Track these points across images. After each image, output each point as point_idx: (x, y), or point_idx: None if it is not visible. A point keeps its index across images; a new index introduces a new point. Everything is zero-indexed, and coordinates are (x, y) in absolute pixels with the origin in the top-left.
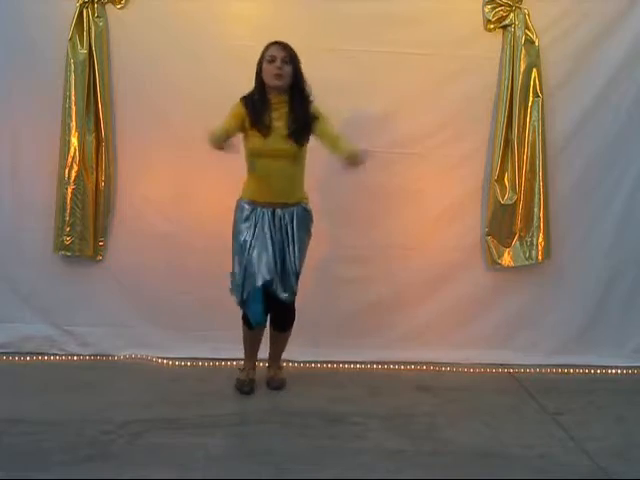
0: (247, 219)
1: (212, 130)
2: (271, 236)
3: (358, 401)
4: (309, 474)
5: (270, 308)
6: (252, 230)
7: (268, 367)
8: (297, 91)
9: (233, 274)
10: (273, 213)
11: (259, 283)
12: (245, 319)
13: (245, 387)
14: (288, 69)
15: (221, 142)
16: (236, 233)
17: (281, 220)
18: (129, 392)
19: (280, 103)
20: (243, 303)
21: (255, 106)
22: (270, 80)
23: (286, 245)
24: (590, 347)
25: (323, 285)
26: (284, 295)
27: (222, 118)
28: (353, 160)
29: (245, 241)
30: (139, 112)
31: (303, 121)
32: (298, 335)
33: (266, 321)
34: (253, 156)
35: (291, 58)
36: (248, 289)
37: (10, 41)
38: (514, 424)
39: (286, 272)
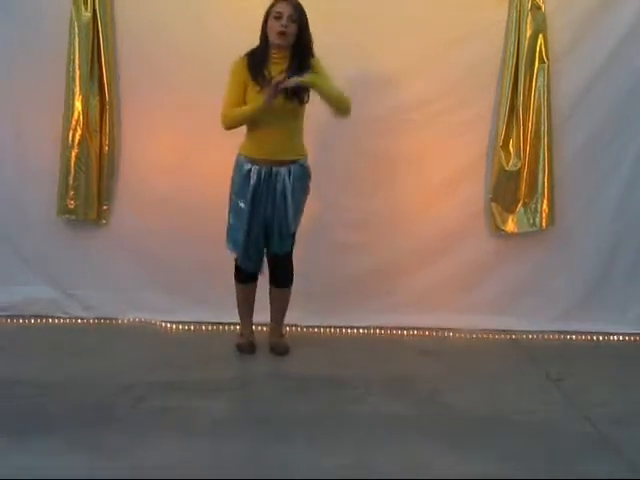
0: (246, 178)
1: (227, 115)
2: (267, 196)
3: (359, 366)
4: (309, 439)
5: (267, 263)
6: (250, 195)
7: (270, 333)
8: (300, 48)
9: (229, 227)
10: (270, 171)
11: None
12: (237, 274)
13: (245, 350)
14: (293, 27)
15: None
16: (234, 192)
17: (277, 177)
18: (132, 355)
19: (282, 59)
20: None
21: (256, 61)
22: (274, 37)
23: (281, 203)
24: (593, 313)
25: (324, 249)
26: (279, 250)
27: (225, 81)
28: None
29: (242, 208)
30: (143, 75)
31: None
32: (299, 299)
33: (259, 271)
34: None
35: (298, 16)
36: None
37: (12, 4)
38: (516, 389)
39: (281, 229)
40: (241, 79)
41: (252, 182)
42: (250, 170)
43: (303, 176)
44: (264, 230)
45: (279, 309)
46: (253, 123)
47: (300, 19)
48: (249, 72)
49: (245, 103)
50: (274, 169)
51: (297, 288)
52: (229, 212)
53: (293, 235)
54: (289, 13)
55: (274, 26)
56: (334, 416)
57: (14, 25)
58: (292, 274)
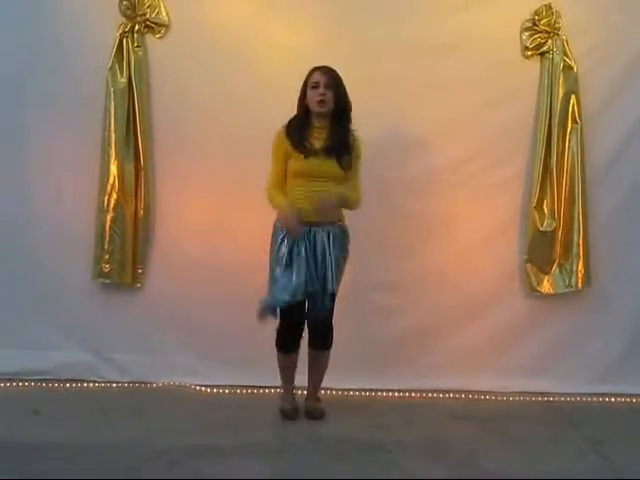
0: (283, 240)
1: (280, 206)
2: (306, 255)
3: (395, 429)
4: None
5: (307, 327)
6: (288, 251)
7: (306, 398)
8: (339, 115)
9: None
10: (309, 231)
11: (286, 299)
12: (278, 345)
13: (290, 415)
14: (331, 94)
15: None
16: (274, 255)
17: (315, 237)
18: (167, 419)
19: (323, 127)
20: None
21: (297, 129)
22: (314, 106)
23: (321, 262)
24: (631, 375)
25: (359, 312)
26: (319, 311)
27: (260, 149)
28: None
29: (281, 259)
30: (177, 140)
31: (341, 143)
32: (335, 362)
33: (300, 336)
34: (293, 177)
35: (335, 82)
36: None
37: (50, 70)
38: (554, 453)
39: (322, 289)
40: (282, 151)
41: (291, 241)
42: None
43: (342, 237)
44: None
45: (317, 372)
46: (292, 188)
47: (337, 86)
48: (289, 141)
49: (288, 168)
50: (312, 229)
51: (332, 351)
52: (271, 280)
53: (333, 297)
54: (326, 81)
55: (313, 95)
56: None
57: (52, 90)
58: (332, 337)
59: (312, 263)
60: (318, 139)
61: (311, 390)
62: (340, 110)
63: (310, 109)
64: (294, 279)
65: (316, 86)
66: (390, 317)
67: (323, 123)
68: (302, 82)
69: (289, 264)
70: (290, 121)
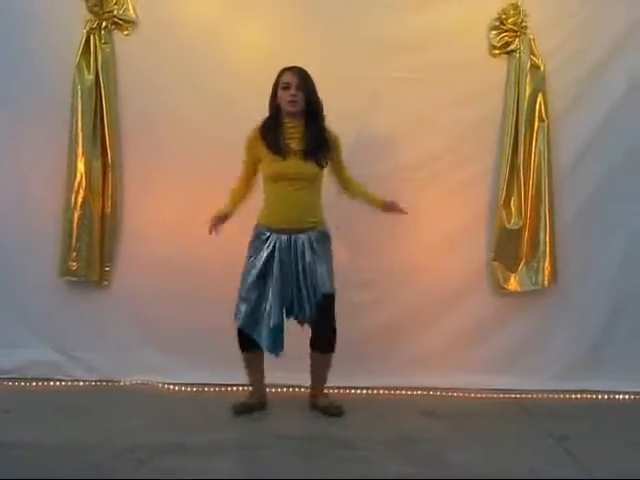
0: (265, 247)
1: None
2: (282, 268)
3: (364, 427)
4: None
5: (312, 330)
6: (266, 262)
7: (314, 396)
8: (311, 114)
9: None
10: (289, 240)
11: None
12: (240, 343)
13: (239, 410)
14: (302, 95)
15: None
16: (250, 261)
17: (297, 246)
18: (135, 417)
19: (295, 127)
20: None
21: (271, 131)
22: (286, 106)
23: (309, 267)
24: (597, 372)
25: None
26: (309, 315)
27: (227, 147)
28: (389, 209)
29: (258, 275)
30: (145, 138)
31: (317, 142)
32: (302, 360)
33: (278, 348)
34: (271, 180)
35: (305, 83)
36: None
37: (17, 67)
38: (519, 449)
39: (315, 293)
40: (253, 153)
41: (270, 250)
42: (269, 238)
43: (324, 239)
44: (290, 302)
45: (320, 373)
46: (270, 192)
47: (307, 86)
48: (265, 142)
49: (265, 171)
50: (293, 237)
51: (300, 349)
52: (242, 283)
53: (332, 298)
54: (297, 82)
55: (284, 96)
56: (340, 477)
57: (17, 88)
58: (332, 340)
59: (297, 271)
60: (293, 139)
61: (314, 389)
62: (311, 109)
63: (282, 109)
64: (270, 322)
65: (287, 87)
66: (358, 315)
67: (295, 122)
68: (270, 80)
69: (261, 286)
70: (263, 124)
